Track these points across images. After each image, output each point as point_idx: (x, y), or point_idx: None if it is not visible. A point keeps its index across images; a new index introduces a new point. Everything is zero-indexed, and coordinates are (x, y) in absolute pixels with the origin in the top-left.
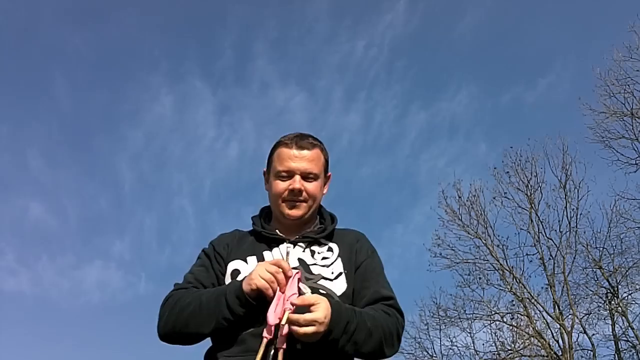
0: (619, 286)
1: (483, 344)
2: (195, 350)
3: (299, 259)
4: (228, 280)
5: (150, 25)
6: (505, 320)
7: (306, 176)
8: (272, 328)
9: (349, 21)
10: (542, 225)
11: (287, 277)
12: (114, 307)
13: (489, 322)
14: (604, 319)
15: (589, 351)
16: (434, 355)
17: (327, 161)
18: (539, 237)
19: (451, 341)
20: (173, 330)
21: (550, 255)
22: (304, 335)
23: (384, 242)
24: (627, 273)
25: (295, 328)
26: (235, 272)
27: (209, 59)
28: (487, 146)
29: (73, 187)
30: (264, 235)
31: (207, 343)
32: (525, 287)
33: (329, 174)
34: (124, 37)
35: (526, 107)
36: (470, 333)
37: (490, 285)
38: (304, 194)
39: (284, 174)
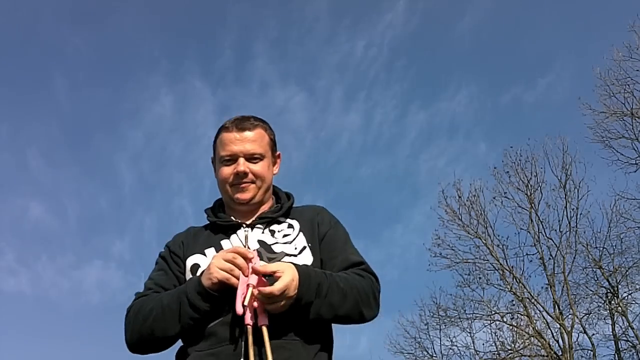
0: (619, 286)
1: (483, 344)
2: None
3: (259, 241)
4: (189, 276)
5: (150, 25)
6: (505, 320)
7: (250, 157)
8: (247, 313)
9: (349, 21)
10: (542, 225)
11: (248, 260)
12: (113, 307)
13: (489, 322)
14: (604, 318)
15: (589, 351)
16: (434, 355)
17: (273, 140)
18: (539, 237)
19: (451, 341)
20: (140, 339)
21: (550, 255)
22: (274, 307)
23: (384, 242)
24: (627, 273)
25: (265, 301)
26: (195, 267)
27: (208, 58)
28: (487, 146)
29: (73, 187)
30: (219, 224)
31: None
32: (525, 287)
33: (278, 153)
34: (123, 37)
35: (526, 107)
36: (470, 333)
37: (490, 285)
38: (250, 175)
39: (227, 158)
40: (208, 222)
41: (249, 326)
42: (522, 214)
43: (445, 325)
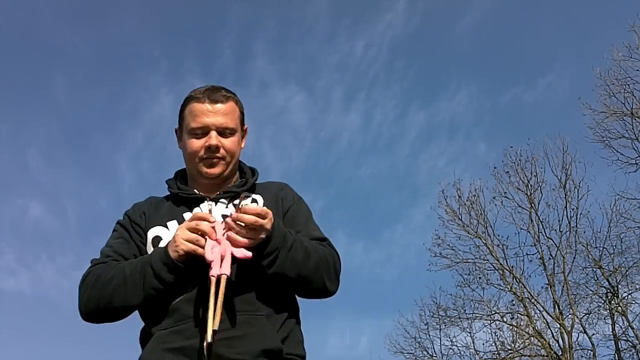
0: (619, 286)
1: (483, 344)
2: None
3: (223, 216)
4: (150, 248)
5: (149, 25)
6: (505, 320)
7: (222, 131)
8: (215, 264)
9: (349, 21)
10: (542, 225)
11: (212, 225)
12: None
13: (489, 322)
14: (604, 318)
15: (589, 351)
16: (434, 355)
17: (242, 113)
18: (539, 237)
19: (451, 341)
20: (97, 308)
21: (550, 255)
22: (245, 239)
23: (384, 242)
24: (627, 273)
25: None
26: (157, 239)
27: (208, 58)
28: (487, 146)
29: (73, 187)
30: (182, 196)
31: (139, 321)
32: (525, 287)
33: (246, 126)
34: (123, 37)
35: (526, 107)
36: (470, 333)
37: (490, 285)
38: (222, 150)
39: (198, 131)
40: (169, 194)
41: (212, 277)
42: (522, 214)
43: (445, 325)
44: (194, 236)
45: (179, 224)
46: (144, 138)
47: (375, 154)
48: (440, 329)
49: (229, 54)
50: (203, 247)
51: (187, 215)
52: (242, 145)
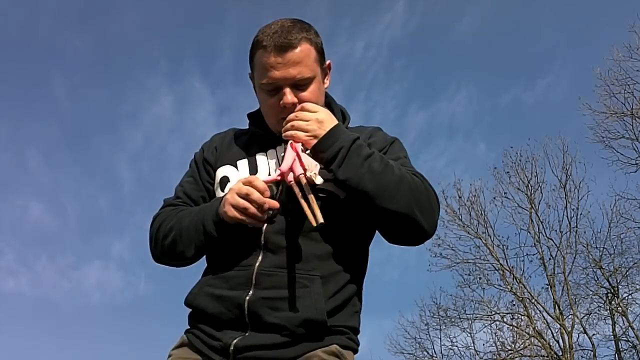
0: (619, 286)
1: (483, 344)
2: None
3: None
4: (218, 190)
5: (149, 26)
6: (505, 320)
7: (297, 84)
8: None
9: (348, 21)
10: (542, 225)
11: (264, 195)
12: (113, 308)
13: (489, 322)
14: (604, 319)
15: (589, 351)
16: (434, 355)
17: (321, 52)
18: (539, 237)
19: (451, 341)
20: (162, 255)
21: (551, 255)
22: (304, 126)
23: (384, 242)
24: (628, 273)
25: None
26: (224, 180)
27: (208, 58)
28: (486, 147)
29: (73, 187)
30: (259, 135)
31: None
32: (525, 287)
33: (328, 62)
34: (123, 37)
35: (525, 108)
36: (470, 333)
37: (490, 285)
38: (299, 106)
39: (269, 87)
40: (249, 128)
41: (292, 183)
42: (522, 214)
43: (445, 326)
44: (242, 203)
45: (249, 164)
46: (144, 138)
47: None
48: (440, 330)
49: (229, 54)
50: (251, 216)
51: (259, 157)
52: (327, 85)
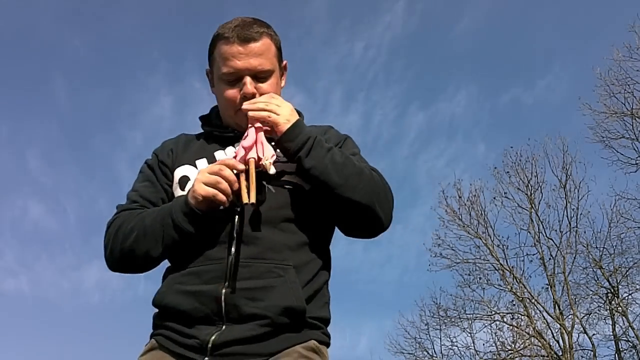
0: (619, 286)
1: (483, 344)
2: None
3: None
4: (177, 190)
5: (149, 26)
6: (505, 320)
7: (258, 75)
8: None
9: (348, 22)
10: (542, 225)
11: (237, 172)
12: (113, 308)
13: (489, 322)
14: (604, 319)
15: (589, 351)
16: (434, 355)
17: (280, 49)
18: (539, 237)
19: (451, 341)
20: (120, 259)
21: (551, 255)
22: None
23: (384, 243)
24: (628, 273)
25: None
26: (184, 180)
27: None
28: (486, 147)
29: (72, 188)
30: (215, 135)
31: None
32: (525, 287)
33: (285, 62)
34: (123, 37)
35: (525, 108)
36: (470, 333)
37: (490, 285)
38: (258, 96)
39: (230, 77)
40: (202, 131)
41: (251, 159)
42: (522, 214)
43: (445, 326)
44: (214, 179)
45: (209, 162)
46: (144, 139)
47: (374, 155)
48: (440, 329)
49: None
50: (224, 193)
51: (218, 154)
52: (283, 84)
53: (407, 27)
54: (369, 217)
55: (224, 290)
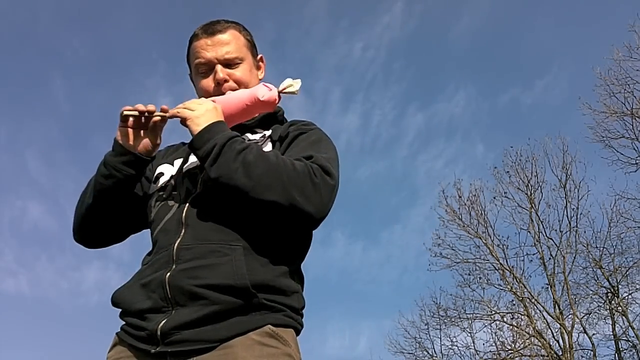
0: (620, 286)
1: (483, 344)
2: None
3: None
4: (151, 185)
5: (148, 27)
6: (505, 320)
7: (228, 63)
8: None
9: (347, 22)
10: (542, 225)
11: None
12: (113, 308)
13: (489, 322)
14: (604, 318)
15: (589, 351)
16: (434, 355)
17: (250, 41)
18: (539, 237)
19: (451, 341)
20: (75, 224)
21: (551, 255)
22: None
23: (384, 243)
24: (628, 273)
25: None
26: (159, 175)
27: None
28: (485, 147)
29: (72, 188)
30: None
31: None
32: (525, 287)
33: (260, 55)
34: (122, 38)
35: (524, 109)
36: (470, 333)
37: (490, 285)
38: (231, 83)
39: (202, 68)
40: None
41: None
42: (522, 214)
43: (445, 325)
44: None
45: (184, 162)
46: None
47: (373, 155)
48: (440, 329)
49: None
50: (139, 110)
51: (192, 157)
52: (261, 76)
53: (406, 28)
54: (292, 212)
55: (168, 274)
